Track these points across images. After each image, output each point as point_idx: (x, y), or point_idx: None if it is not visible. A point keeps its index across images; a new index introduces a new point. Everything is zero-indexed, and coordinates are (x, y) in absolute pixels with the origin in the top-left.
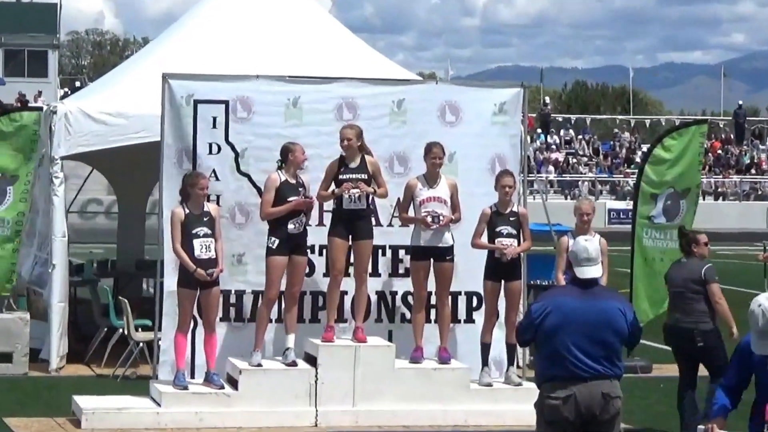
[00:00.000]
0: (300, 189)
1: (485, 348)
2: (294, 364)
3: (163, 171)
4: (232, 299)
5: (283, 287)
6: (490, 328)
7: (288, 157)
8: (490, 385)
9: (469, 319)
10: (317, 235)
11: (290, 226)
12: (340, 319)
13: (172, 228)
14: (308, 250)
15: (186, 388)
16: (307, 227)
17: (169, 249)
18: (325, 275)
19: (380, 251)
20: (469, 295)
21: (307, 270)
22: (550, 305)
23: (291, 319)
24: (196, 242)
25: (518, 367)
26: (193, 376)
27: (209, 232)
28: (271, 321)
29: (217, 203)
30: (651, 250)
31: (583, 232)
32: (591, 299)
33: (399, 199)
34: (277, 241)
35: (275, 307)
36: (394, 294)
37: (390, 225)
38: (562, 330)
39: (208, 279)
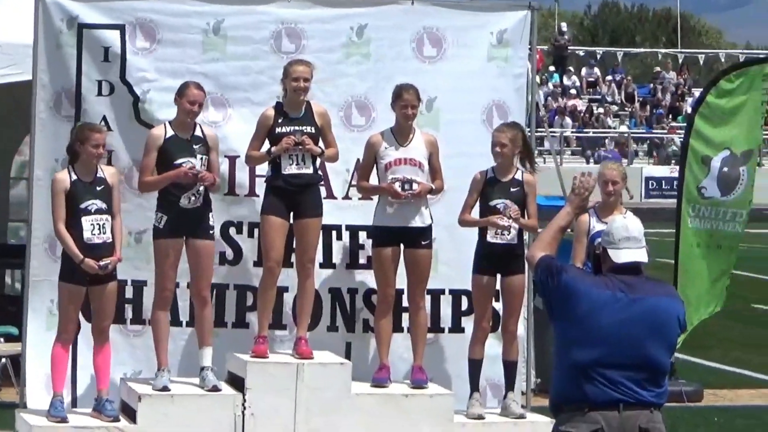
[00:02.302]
0: (196, 147)
1: (475, 367)
2: (215, 389)
3: (35, 120)
4: (128, 293)
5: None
6: (482, 339)
7: (176, 98)
8: (481, 417)
9: (457, 328)
10: (245, 209)
11: (182, 200)
12: (276, 325)
13: (54, 201)
14: (223, 229)
15: (65, 420)
16: (209, 198)
17: (43, 226)
18: (255, 264)
19: (334, 233)
20: (456, 295)
21: (231, 257)
22: (579, 286)
23: (203, 328)
24: (86, 221)
25: (522, 393)
26: (75, 404)
27: (104, 206)
28: (180, 324)
29: (109, 162)
30: (697, 233)
31: (608, 208)
32: (634, 294)
33: (359, 161)
34: (164, 218)
35: (187, 306)
36: (353, 292)
37: (347, 197)
38: (590, 334)
39: (100, 272)
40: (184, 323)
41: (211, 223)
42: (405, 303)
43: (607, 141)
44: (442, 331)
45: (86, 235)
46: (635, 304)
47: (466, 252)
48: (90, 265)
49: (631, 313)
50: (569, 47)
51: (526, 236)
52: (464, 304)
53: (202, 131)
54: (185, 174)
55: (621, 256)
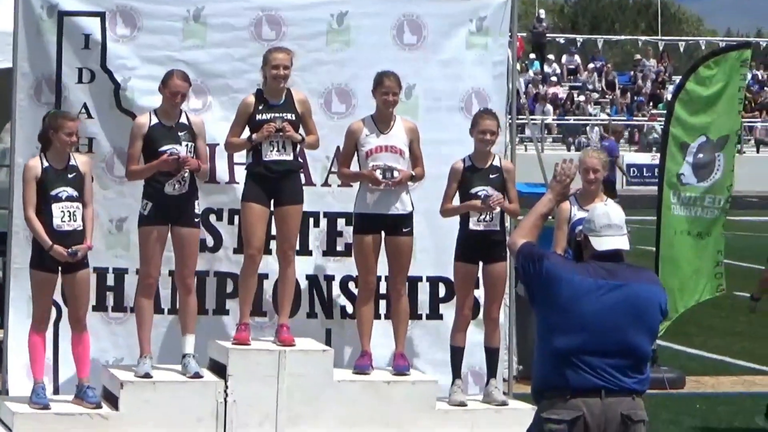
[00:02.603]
0: (181, 134)
1: (457, 354)
2: (197, 375)
3: (15, 108)
4: (110, 280)
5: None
6: (464, 326)
7: (159, 87)
8: (463, 404)
9: (435, 315)
10: (225, 196)
11: (167, 188)
12: (257, 312)
13: (25, 187)
14: (200, 218)
15: (47, 407)
16: (195, 186)
17: (22, 214)
18: (236, 252)
19: (311, 220)
20: (434, 282)
21: (212, 244)
22: (561, 273)
23: (187, 315)
24: (56, 207)
25: (504, 380)
26: (57, 391)
27: (75, 194)
28: (162, 312)
29: (90, 149)
30: (680, 221)
31: (589, 196)
32: (616, 281)
33: (338, 148)
34: (150, 205)
35: (169, 294)
36: (330, 279)
37: (326, 184)
38: (571, 321)
39: (69, 260)
40: (165, 311)
41: (196, 210)
42: (383, 290)
43: (587, 128)
44: (420, 318)
45: (56, 222)
46: (617, 290)
47: (442, 239)
48: (59, 252)
49: (613, 299)
50: (548, 34)
51: (507, 223)
52: (442, 290)
53: (187, 118)
54: (167, 161)
55: (603, 243)
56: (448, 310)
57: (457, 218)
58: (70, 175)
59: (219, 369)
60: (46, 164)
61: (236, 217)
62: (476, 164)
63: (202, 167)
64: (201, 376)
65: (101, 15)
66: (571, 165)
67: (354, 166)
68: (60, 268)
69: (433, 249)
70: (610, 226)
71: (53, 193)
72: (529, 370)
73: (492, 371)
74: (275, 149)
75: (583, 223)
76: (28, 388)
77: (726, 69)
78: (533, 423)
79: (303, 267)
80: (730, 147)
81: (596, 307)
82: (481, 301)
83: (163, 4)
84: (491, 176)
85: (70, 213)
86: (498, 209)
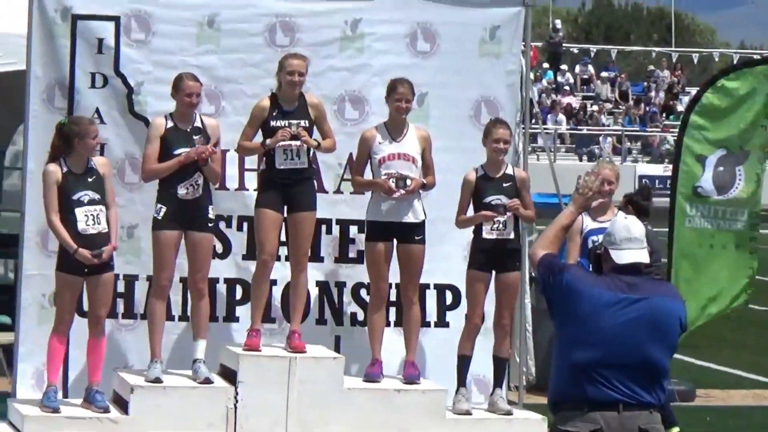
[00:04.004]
0: (195, 138)
1: (464, 362)
2: (207, 381)
3: (28, 113)
4: (120, 287)
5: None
6: (473, 335)
7: (173, 93)
8: (468, 413)
9: (441, 322)
10: (235, 202)
11: (180, 191)
12: (265, 318)
13: (46, 192)
14: (216, 224)
15: (58, 410)
16: (209, 191)
17: (35, 220)
18: (245, 258)
19: (324, 227)
20: (441, 289)
21: (221, 250)
22: (580, 286)
23: (199, 320)
24: (80, 212)
25: (511, 389)
26: (66, 395)
27: (97, 197)
28: (173, 319)
29: (101, 155)
30: (696, 233)
31: (602, 207)
32: (636, 294)
33: (351, 155)
34: (164, 210)
35: (180, 300)
36: (341, 286)
37: (338, 191)
38: (590, 334)
39: (94, 262)
40: (176, 317)
41: (210, 215)
42: (393, 297)
43: (600, 138)
44: (428, 325)
45: (80, 226)
46: (636, 304)
47: (450, 246)
48: (84, 255)
49: (633, 313)
50: (564, 44)
51: (522, 231)
52: (449, 298)
53: (201, 121)
54: (187, 156)
55: (623, 256)
56: (454, 318)
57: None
58: (90, 179)
59: (229, 375)
60: (65, 169)
61: (245, 224)
62: (489, 173)
63: (213, 168)
64: (211, 382)
65: (116, 19)
66: (593, 178)
67: (367, 174)
68: (86, 271)
69: (440, 256)
70: (630, 239)
71: (75, 197)
72: (542, 381)
73: (498, 380)
74: (288, 157)
75: (604, 235)
76: (36, 392)
77: (750, 82)
78: None
79: (314, 273)
80: (752, 161)
81: (615, 320)
82: (491, 309)
83: (178, 9)
84: (504, 185)
85: (93, 216)
86: (510, 216)
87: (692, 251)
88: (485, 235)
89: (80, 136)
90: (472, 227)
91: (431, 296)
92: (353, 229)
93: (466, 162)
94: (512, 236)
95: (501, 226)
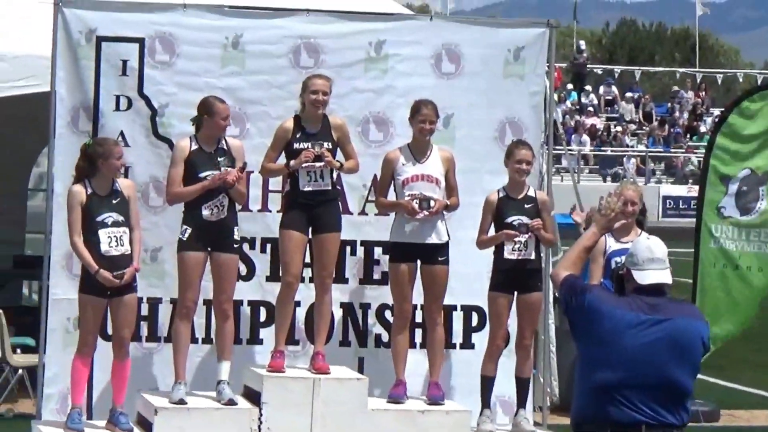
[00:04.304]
0: (220, 160)
1: (487, 383)
2: (231, 402)
3: (54, 135)
4: (144, 310)
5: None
6: (495, 356)
7: (204, 116)
8: None
9: (467, 344)
10: (258, 224)
11: (205, 212)
12: (289, 340)
13: (70, 213)
14: (241, 245)
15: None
16: (234, 212)
17: (62, 243)
18: (268, 279)
19: (348, 249)
20: (467, 311)
21: (245, 272)
22: (603, 307)
23: (223, 341)
24: (103, 233)
25: (536, 408)
26: (90, 416)
27: (121, 219)
28: (196, 341)
29: (126, 177)
30: (720, 254)
31: (624, 228)
32: (658, 315)
33: (376, 177)
34: (189, 231)
35: (203, 323)
36: (365, 307)
37: (363, 213)
38: (613, 355)
39: (116, 283)
40: (200, 340)
41: (235, 236)
42: (419, 319)
43: (624, 159)
44: (454, 347)
45: (103, 247)
46: (659, 325)
47: (476, 267)
48: (105, 276)
49: (655, 334)
50: (588, 65)
51: (543, 253)
52: (474, 319)
53: (226, 143)
54: (212, 181)
55: (645, 277)
56: (479, 340)
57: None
58: (114, 200)
59: (253, 396)
60: (90, 190)
61: (269, 246)
62: (511, 194)
63: (239, 189)
64: (235, 403)
65: (140, 41)
66: (615, 199)
67: (390, 195)
68: (109, 293)
69: (466, 277)
70: (653, 259)
71: (99, 219)
72: (566, 401)
73: (522, 401)
74: (312, 179)
75: (626, 256)
76: (60, 416)
77: None
78: None
79: (338, 295)
80: None
81: (638, 341)
82: (513, 330)
83: (202, 30)
84: (526, 206)
85: (117, 238)
86: (532, 236)
87: (717, 272)
88: (506, 255)
89: (104, 157)
90: (493, 248)
91: (457, 318)
92: (378, 251)
93: (492, 183)
94: (533, 257)
95: (522, 246)
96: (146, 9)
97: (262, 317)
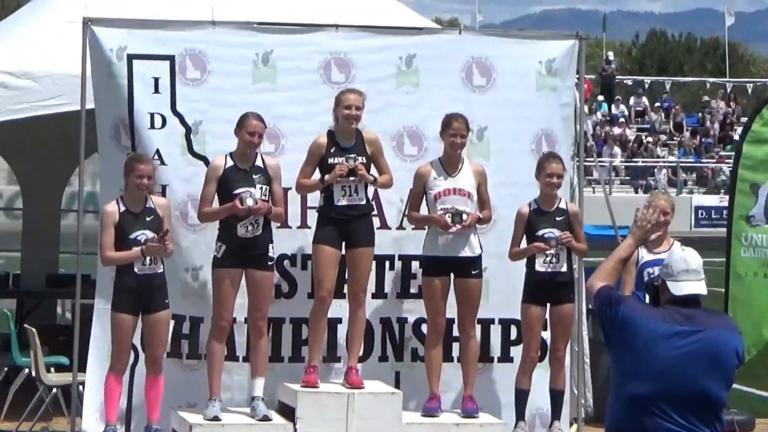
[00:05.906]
0: (256, 177)
1: (522, 396)
2: (266, 418)
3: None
4: (185, 329)
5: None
6: (530, 369)
7: (237, 130)
8: None
9: (506, 358)
10: (298, 241)
11: (240, 229)
12: (331, 358)
13: (102, 233)
14: (277, 261)
15: None
16: (270, 229)
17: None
18: (310, 297)
19: (387, 263)
20: (506, 324)
21: (287, 290)
22: (637, 318)
23: (258, 358)
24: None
25: (574, 422)
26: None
27: (154, 236)
28: (237, 359)
29: (163, 196)
30: (750, 263)
31: (657, 239)
32: (693, 327)
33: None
34: (223, 248)
35: (244, 341)
36: (403, 322)
37: (401, 227)
38: (647, 367)
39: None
40: (240, 358)
41: (270, 254)
42: (455, 332)
43: (656, 170)
44: (492, 360)
45: (137, 265)
46: (694, 336)
47: (515, 281)
48: (150, 245)
49: (690, 346)
50: (617, 76)
51: (575, 264)
52: (513, 333)
53: (263, 161)
54: (237, 207)
55: (680, 288)
56: (518, 353)
57: (525, 259)
58: (147, 218)
59: (288, 412)
60: (123, 208)
61: (309, 262)
62: (542, 207)
63: (275, 210)
64: (270, 419)
65: (171, 58)
66: (651, 211)
67: (423, 209)
68: (142, 310)
69: (506, 291)
70: (687, 271)
71: (132, 236)
72: (600, 413)
73: (556, 413)
74: (347, 193)
75: (661, 267)
76: (99, 424)
77: None
78: None
79: (378, 310)
80: None
81: (672, 353)
82: (548, 342)
83: (232, 47)
84: (557, 219)
85: (150, 256)
86: (563, 249)
87: (748, 281)
88: (538, 268)
89: (127, 171)
90: (526, 260)
91: (495, 331)
92: (415, 265)
93: (529, 195)
94: (565, 269)
95: (554, 259)
96: (176, 27)
97: (304, 335)
